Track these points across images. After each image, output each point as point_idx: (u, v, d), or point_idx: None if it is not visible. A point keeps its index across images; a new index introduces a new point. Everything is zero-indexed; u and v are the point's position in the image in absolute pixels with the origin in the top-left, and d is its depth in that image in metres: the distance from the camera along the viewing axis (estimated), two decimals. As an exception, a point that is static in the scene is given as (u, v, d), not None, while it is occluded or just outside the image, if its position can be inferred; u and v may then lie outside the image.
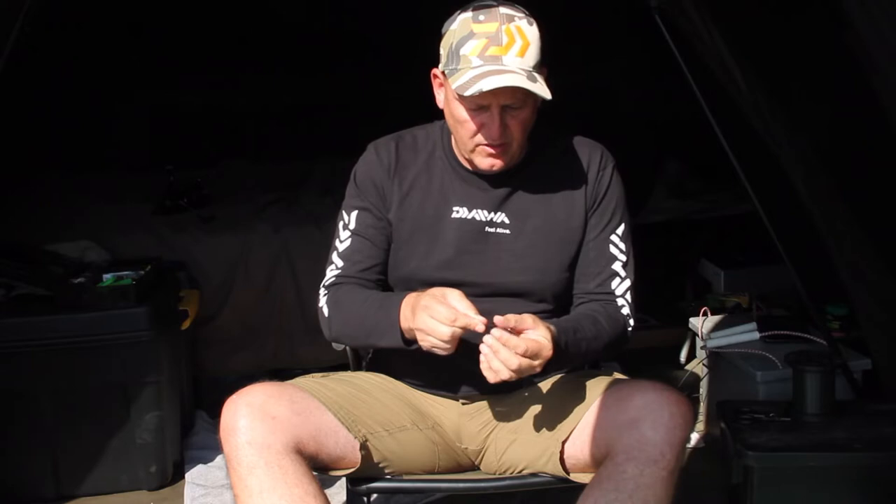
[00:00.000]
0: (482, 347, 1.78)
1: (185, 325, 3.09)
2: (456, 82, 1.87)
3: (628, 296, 2.05)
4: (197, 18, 4.21)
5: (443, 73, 1.95)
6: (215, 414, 3.29)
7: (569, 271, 2.05)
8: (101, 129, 4.39)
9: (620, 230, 2.06)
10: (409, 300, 1.87)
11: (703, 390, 3.13)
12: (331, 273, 2.08)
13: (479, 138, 1.94)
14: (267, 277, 3.54)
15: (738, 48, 2.36)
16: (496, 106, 1.89)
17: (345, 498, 2.05)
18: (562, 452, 1.92)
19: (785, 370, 2.59)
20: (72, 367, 2.77)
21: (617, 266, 2.05)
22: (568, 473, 1.93)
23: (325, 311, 2.05)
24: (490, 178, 2.03)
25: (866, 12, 1.87)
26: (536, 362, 1.78)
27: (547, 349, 1.78)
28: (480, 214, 2.02)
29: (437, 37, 1.99)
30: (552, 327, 1.82)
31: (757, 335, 3.03)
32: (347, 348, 2.24)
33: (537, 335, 1.78)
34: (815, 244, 2.53)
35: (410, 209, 2.05)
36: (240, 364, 3.51)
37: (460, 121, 1.93)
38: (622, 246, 2.06)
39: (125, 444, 2.84)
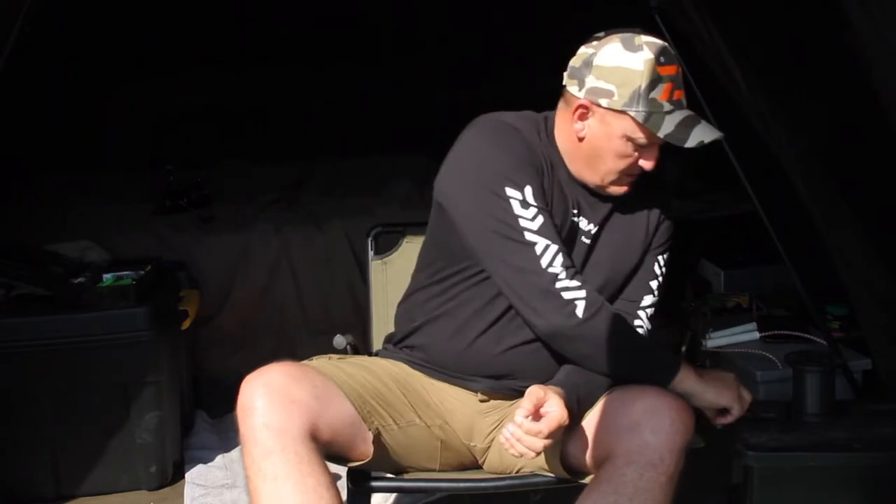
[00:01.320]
0: (504, 433, 1.79)
1: (185, 325, 3.09)
2: (660, 129, 1.88)
3: (650, 312, 2.08)
4: (197, 18, 4.21)
5: (618, 111, 1.89)
6: (215, 414, 3.32)
7: (624, 283, 2.08)
8: (101, 129, 4.39)
9: (667, 256, 2.11)
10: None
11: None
12: (572, 277, 1.91)
13: (631, 169, 1.96)
14: (267, 277, 3.54)
15: (738, 48, 2.36)
16: (658, 143, 1.93)
17: (344, 497, 2.05)
18: (563, 453, 1.92)
19: (785, 370, 2.59)
20: (72, 367, 2.77)
21: (653, 283, 2.09)
22: (568, 474, 1.93)
23: (593, 325, 1.90)
24: (594, 191, 2.04)
25: (866, 12, 1.87)
26: (559, 435, 1.81)
27: (564, 419, 1.80)
28: (582, 222, 2.03)
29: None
30: (560, 391, 1.84)
31: (757, 335, 3.03)
32: (348, 348, 2.24)
33: (552, 406, 1.79)
34: (815, 244, 2.53)
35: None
36: (240, 364, 3.50)
37: (624, 156, 1.94)
38: (664, 269, 2.11)
39: (125, 444, 2.84)
